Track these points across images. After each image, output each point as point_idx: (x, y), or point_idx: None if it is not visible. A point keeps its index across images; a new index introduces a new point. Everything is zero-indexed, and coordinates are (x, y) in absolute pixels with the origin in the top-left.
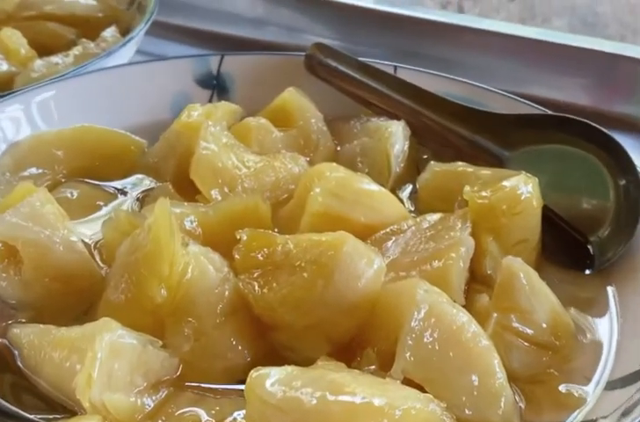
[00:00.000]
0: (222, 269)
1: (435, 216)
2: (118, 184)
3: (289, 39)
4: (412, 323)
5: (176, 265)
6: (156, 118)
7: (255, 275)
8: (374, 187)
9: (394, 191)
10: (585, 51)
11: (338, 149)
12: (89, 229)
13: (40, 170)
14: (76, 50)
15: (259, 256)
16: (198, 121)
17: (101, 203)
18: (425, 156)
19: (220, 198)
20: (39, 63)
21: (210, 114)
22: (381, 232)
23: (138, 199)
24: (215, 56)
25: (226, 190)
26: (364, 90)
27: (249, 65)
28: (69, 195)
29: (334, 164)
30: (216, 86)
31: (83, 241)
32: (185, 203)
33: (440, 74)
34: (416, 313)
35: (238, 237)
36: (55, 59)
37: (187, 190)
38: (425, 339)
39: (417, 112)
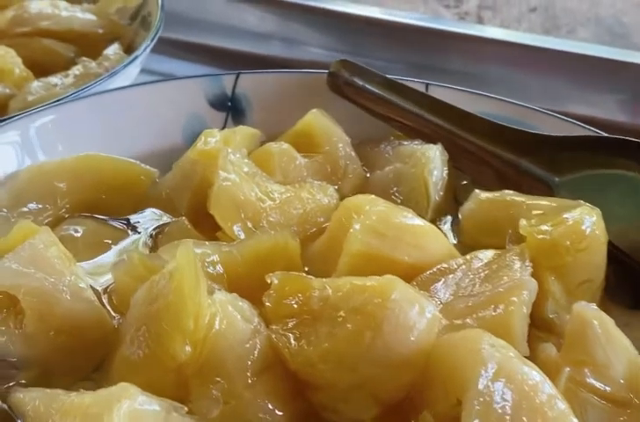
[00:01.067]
0: (252, 319)
1: (488, 253)
2: (127, 219)
3: (304, 54)
4: (480, 386)
5: (202, 318)
6: (166, 144)
7: (289, 326)
8: (419, 222)
9: (434, 223)
10: (619, 63)
11: (368, 175)
12: (97, 273)
13: (41, 206)
14: (76, 70)
15: (294, 303)
16: (216, 149)
17: (109, 241)
18: (464, 183)
19: (243, 235)
20: (35, 85)
21: (229, 140)
22: (428, 272)
23: (151, 236)
24: (230, 75)
25: (249, 225)
26: (394, 110)
27: (267, 84)
28: (73, 233)
29: (372, 197)
30: (231, 108)
31: (92, 287)
32: (207, 242)
33: (475, 91)
34: (483, 372)
35: (269, 281)
36: (54, 80)
37: (205, 225)
38: (495, 404)
39: (453, 134)
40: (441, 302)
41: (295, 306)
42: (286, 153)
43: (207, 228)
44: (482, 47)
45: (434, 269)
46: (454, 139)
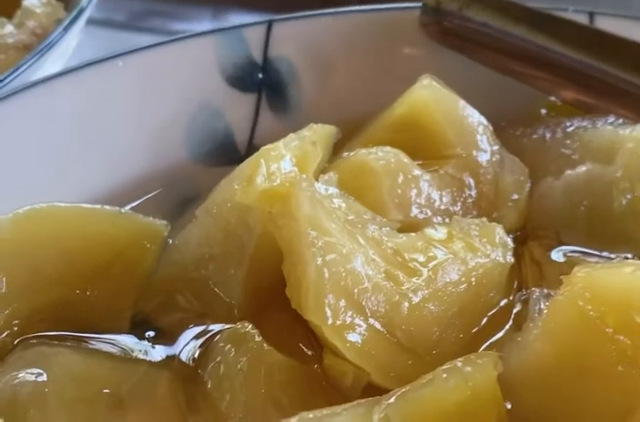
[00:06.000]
0: None
1: None
2: (126, 337)
3: None
4: None
5: None
6: (159, 162)
7: None
8: None
9: None
10: None
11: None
12: None
13: None
14: None
15: None
16: (291, 182)
17: (107, 391)
18: None
19: (375, 356)
20: None
21: (305, 160)
22: None
23: (189, 368)
24: (256, 27)
25: (383, 330)
26: (545, 60)
27: (321, 38)
28: (30, 381)
29: None
30: (265, 84)
31: None
32: (338, 409)
33: None
34: None
35: None
36: None
37: (278, 329)
38: None
39: None
40: None
41: None
42: (399, 168)
43: (282, 333)
44: None
45: None
46: None
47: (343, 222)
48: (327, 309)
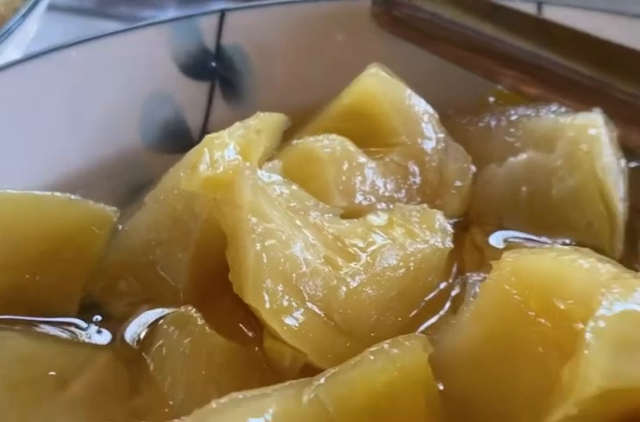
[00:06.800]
0: None
1: None
2: (79, 319)
3: None
4: None
5: None
6: (113, 149)
7: None
8: None
9: (631, 266)
10: None
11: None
12: None
13: None
14: None
15: None
16: (234, 169)
17: (54, 373)
18: (634, 165)
19: (312, 338)
20: None
21: (249, 148)
22: None
23: (133, 350)
24: (210, 16)
25: (321, 314)
26: (495, 50)
27: (273, 27)
28: None
29: (594, 263)
30: (217, 73)
31: None
32: (264, 390)
33: (617, 10)
34: None
35: None
36: None
37: (221, 313)
38: None
39: (602, 86)
40: None
41: None
42: (344, 156)
43: (225, 316)
44: None
45: None
46: (600, 90)
47: (285, 209)
48: (265, 293)
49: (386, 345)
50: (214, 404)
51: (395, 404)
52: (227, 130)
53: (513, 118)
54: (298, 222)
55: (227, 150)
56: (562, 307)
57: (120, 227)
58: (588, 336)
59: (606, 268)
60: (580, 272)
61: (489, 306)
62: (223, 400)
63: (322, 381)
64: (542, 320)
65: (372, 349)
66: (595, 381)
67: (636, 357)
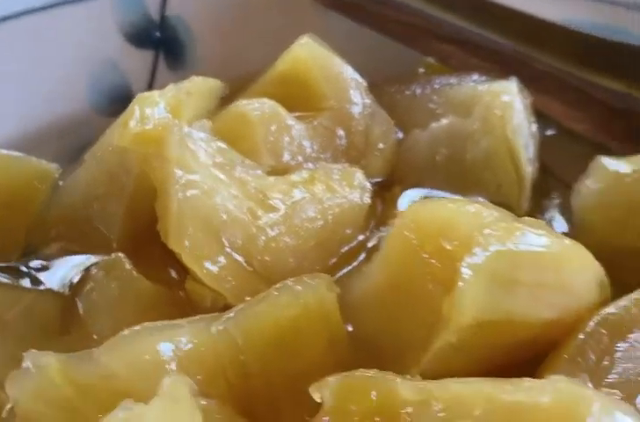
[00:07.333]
0: None
1: None
2: (19, 264)
3: None
4: None
5: None
6: (64, 111)
7: None
8: (560, 244)
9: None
10: None
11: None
12: None
13: None
14: None
15: None
16: (162, 127)
17: None
18: (550, 133)
19: (232, 282)
20: None
21: (179, 108)
22: (581, 337)
23: (65, 295)
24: None
25: (240, 260)
26: (426, 26)
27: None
28: None
29: (480, 209)
30: (161, 42)
31: None
32: (180, 322)
33: None
34: None
35: (318, 399)
36: None
37: (152, 259)
38: None
39: (526, 59)
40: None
41: None
42: (273, 118)
43: (155, 263)
44: None
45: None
46: (528, 65)
47: (211, 164)
48: (186, 239)
49: (290, 282)
50: (126, 331)
51: (299, 339)
52: (159, 91)
53: (437, 86)
54: (222, 176)
55: (157, 108)
56: (449, 248)
57: (61, 183)
58: (464, 270)
59: (489, 213)
60: (466, 217)
61: (392, 252)
62: (137, 328)
63: (231, 314)
64: (434, 261)
65: (277, 286)
66: (469, 311)
67: (513, 292)
